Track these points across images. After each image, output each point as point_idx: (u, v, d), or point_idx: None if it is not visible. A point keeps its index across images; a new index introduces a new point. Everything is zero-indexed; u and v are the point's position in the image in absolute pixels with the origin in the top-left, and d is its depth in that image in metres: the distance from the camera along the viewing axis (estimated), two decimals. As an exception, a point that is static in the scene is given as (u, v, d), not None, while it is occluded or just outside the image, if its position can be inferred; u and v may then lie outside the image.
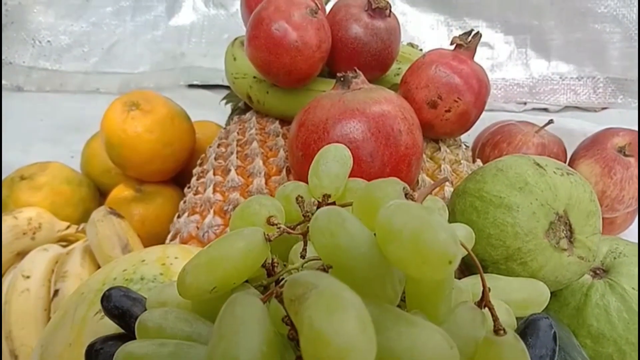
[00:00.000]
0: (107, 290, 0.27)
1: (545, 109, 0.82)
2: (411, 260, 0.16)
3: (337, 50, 0.51)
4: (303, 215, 0.26)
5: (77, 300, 0.32)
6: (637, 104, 0.81)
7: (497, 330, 0.19)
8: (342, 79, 0.45)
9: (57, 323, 0.32)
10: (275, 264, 0.25)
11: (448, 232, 0.16)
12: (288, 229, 0.25)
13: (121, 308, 0.26)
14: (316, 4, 0.48)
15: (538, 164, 0.37)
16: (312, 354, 0.14)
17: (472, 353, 0.20)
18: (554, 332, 0.25)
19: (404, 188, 0.21)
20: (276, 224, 0.25)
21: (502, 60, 0.87)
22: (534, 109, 0.83)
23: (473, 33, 0.49)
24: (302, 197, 0.27)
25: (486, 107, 0.85)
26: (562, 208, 0.35)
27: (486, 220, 0.35)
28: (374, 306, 0.17)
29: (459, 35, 0.49)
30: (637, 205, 0.56)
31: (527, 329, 0.25)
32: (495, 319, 0.19)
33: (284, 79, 0.49)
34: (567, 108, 0.85)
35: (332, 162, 0.28)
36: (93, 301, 0.31)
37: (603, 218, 0.58)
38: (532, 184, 0.35)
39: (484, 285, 0.20)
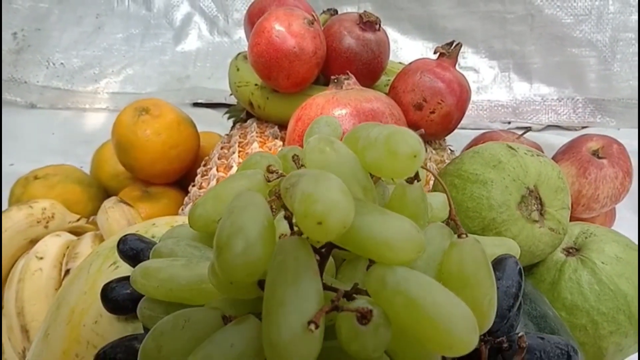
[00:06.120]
0: (123, 236, 0.31)
1: (528, 128, 0.87)
2: (384, 160, 0.20)
3: (331, 60, 0.56)
4: (298, 169, 0.30)
5: (92, 258, 0.35)
6: (614, 122, 0.87)
7: (460, 234, 0.22)
8: (335, 80, 0.50)
9: (73, 278, 0.35)
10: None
11: (414, 136, 0.20)
12: (285, 174, 0.28)
13: (136, 249, 0.30)
14: (313, 16, 0.53)
15: (510, 147, 0.41)
16: (303, 212, 0.17)
17: (440, 261, 0.23)
18: (520, 268, 0.28)
19: (383, 128, 0.25)
20: (275, 171, 0.29)
21: (487, 83, 0.93)
22: (517, 127, 0.88)
23: (455, 43, 0.54)
24: (297, 156, 0.31)
25: (473, 126, 0.90)
26: (532, 183, 0.39)
27: (464, 195, 0.39)
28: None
29: (442, 45, 0.54)
30: (613, 206, 0.60)
31: (495, 265, 0.28)
32: (458, 227, 0.23)
33: (283, 83, 0.53)
34: (549, 127, 0.90)
35: (325, 126, 0.32)
36: (108, 256, 0.34)
37: (581, 219, 0.62)
38: (505, 162, 0.39)
39: (450, 204, 0.24)
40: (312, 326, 0.16)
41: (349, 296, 0.20)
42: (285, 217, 0.19)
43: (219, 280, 0.19)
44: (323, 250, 0.21)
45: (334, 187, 0.17)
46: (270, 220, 0.19)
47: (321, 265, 0.21)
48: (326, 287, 0.20)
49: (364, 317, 0.18)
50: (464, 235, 0.22)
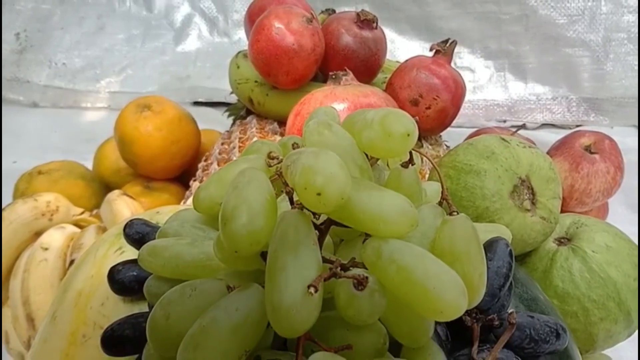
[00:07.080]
0: (129, 220, 0.32)
1: (522, 125, 0.89)
2: (379, 139, 0.21)
3: (330, 57, 0.57)
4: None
5: (98, 244, 0.36)
6: (608, 121, 0.89)
7: (452, 212, 0.24)
8: (333, 76, 0.52)
9: (79, 264, 0.36)
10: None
11: (408, 116, 0.21)
12: (285, 160, 0.29)
13: (141, 232, 0.31)
14: (312, 14, 0.55)
15: (503, 139, 0.42)
16: (303, 184, 0.18)
17: (432, 238, 0.24)
18: (510, 250, 0.29)
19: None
20: (276, 157, 0.30)
21: (482, 83, 0.95)
22: (512, 126, 0.90)
23: (450, 41, 0.56)
24: (297, 144, 0.32)
25: (469, 124, 0.91)
26: (524, 173, 0.40)
27: (458, 185, 0.40)
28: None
29: (438, 43, 0.56)
30: (605, 201, 0.62)
31: (486, 247, 0.29)
32: (450, 205, 0.24)
33: (282, 79, 0.55)
34: (543, 125, 0.92)
35: (323, 116, 0.33)
36: (113, 242, 0.35)
37: (575, 213, 0.63)
38: (498, 153, 0.40)
39: (442, 185, 0.25)
40: (312, 290, 0.18)
41: (345, 268, 0.22)
42: (286, 193, 0.21)
43: (224, 252, 0.20)
44: (322, 226, 0.22)
45: (332, 160, 0.19)
46: (272, 194, 0.20)
47: (320, 240, 0.22)
48: (325, 260, 0.22)
49: (360, 283, 0.19)
50: (455, 213, 0.23)
